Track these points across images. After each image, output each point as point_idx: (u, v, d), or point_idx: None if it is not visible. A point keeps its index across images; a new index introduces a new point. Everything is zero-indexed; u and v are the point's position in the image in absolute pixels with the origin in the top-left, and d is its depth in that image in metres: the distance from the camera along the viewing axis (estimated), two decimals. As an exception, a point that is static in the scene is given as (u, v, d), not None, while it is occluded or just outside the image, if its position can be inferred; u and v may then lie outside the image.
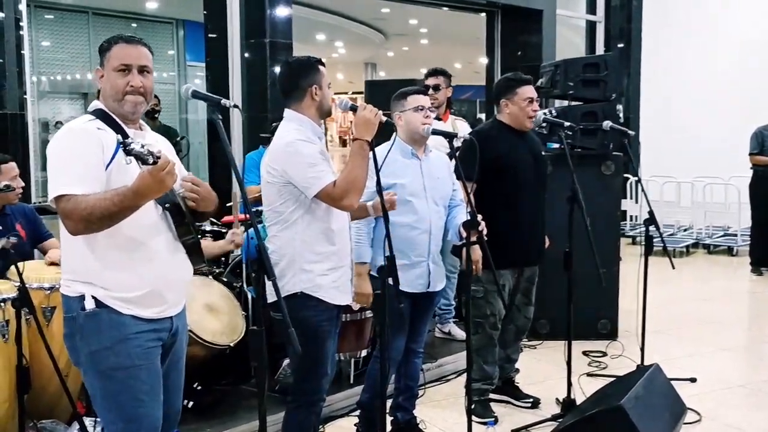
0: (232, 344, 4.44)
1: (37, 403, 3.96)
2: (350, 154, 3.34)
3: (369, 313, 4.70)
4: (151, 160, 2.36)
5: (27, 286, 3.77)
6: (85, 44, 15.84)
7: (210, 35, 7.93)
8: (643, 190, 5.10)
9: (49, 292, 4.00)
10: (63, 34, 15.39)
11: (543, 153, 4.71)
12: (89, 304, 2.63)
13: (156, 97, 7.53)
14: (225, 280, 5.04)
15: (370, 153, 3.32)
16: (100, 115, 2.71)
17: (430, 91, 5.74)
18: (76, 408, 3.95)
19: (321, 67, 3.45)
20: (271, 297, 3.02)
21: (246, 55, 7.56)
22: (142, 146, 2.35)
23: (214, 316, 4.48)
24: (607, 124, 5.08)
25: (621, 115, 8.62)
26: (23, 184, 4.62)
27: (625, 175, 9.63)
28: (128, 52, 2.72)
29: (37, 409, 3.95)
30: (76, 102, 17.15)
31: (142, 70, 2.73)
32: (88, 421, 3.89)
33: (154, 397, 2.74)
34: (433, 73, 5.85)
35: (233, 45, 7.56)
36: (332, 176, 3.30)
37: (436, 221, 4.07)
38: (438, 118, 5.71)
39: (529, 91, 4.56)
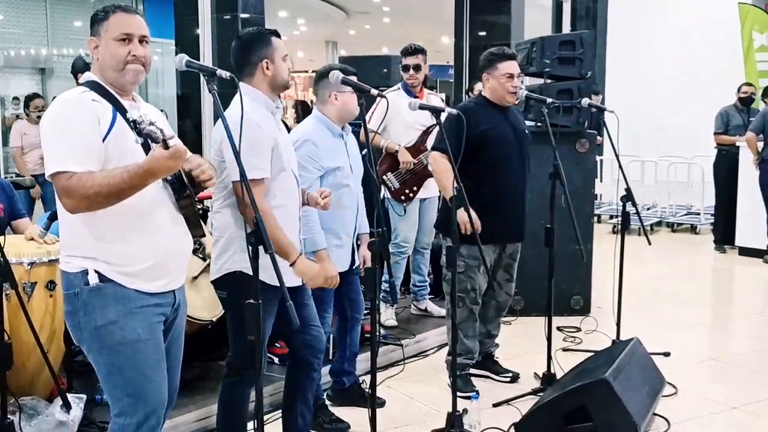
0: (214, 319, 4.41)
1: (17, 380, 3.89)
2: None
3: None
4: (161, 138, 2.33)
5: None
6: (42, 19, 15.50)
7: (180, 10, 7.79)
8: (620, 166, 5.16)
9: (29, 267, 3.92)
10: (19, 8, 15.05)
11: (525, 130, 4.72)
12: (93, 279, 2.59)
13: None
14: (200, 255, 4.99)
15: None
16: (93, 86, 2.65)
17: (411, 72, 5.71)
18: (59, 383, 3.91)
19: (274, 39, 3.37)
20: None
21: (217, 30, 7.45)
22: (151, 123, 2.32)
23: (196, 292, 4.44)
24: (585, 101, 5.13)
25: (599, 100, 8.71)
26: None
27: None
28: (129, 21, 2.67)
29: (18, 386, 3.87)
30: (34, 77, 16.81)
31: (142, 39, 2.69)
32: (71, 397, 3.84)
33: (160, 372, 2.71)
34: (413, 51, 5.72)
35: (204, 20, 7.44)
36: (260, 173, 3.21)
37: (361, 200, 4.21)
38: (414, 95, 5.69)
39: (509, 66, 4.57)
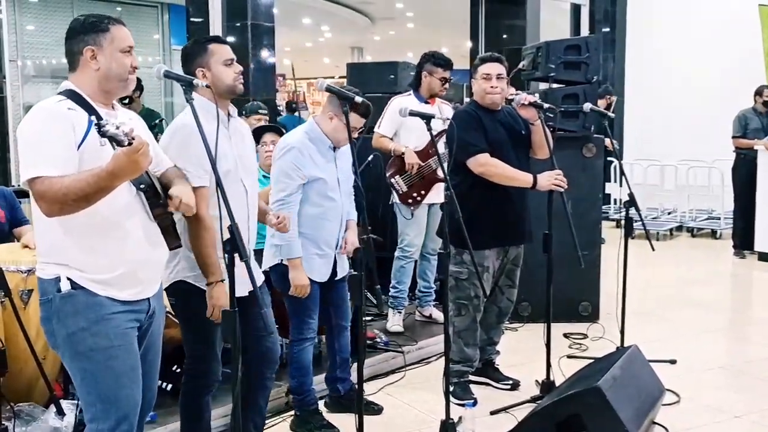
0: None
1: (14, 386, 3.94)
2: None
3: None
4: (125, 142, 2.34)
5: (3, 268, 3.76)
6: (70, 28, 15.71)
7: (192, 19, 7.88)
8: (622, 172, 5.09)
9: (26, 275, 3.96)
10: (47, 18, 15.26)
11: (522, 131, 4.68)
12: (65, 286, 2.63)
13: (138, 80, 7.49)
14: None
15: None
16: (70, 95, 2.69)
17: (446, 85, 5.73)
18: (53, 391, 3.94)
19: (211, 46, 3.30)
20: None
21: (228, 38, 7.52)
22: (117, 127, 2.34)
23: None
24: (587, 106, 5.08)
25: (613, 103, 8.62)
26: None
27: (609, 158, 9.66)
28: (128, 34, 2.76)
29: (14, 392, 3.93)
30: (61, 86, 17.08)
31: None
32: (65, 404, 3.88)
33: (133, 378, 2.73)
34: (451, 66, 5.74)
35: (215, 28, 7.52)
36: (198, 181, 3.15)
37: (346, 214, 4.21)
38: (425, 101, 5.68)
39: (486, 68, 4.57)
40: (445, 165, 5.58)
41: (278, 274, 4.09)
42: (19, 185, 5.49)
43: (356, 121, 3.98)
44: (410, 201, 5.67)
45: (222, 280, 3.15)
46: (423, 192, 5.68)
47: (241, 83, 3.36)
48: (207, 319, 3.22)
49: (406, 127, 5.62)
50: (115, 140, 2.34)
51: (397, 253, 5.79)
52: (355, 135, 4.03)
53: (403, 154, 5.59)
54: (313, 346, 4.25)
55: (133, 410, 2.75)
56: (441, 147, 5.63)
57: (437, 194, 5.70)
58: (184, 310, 3.36)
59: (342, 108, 3.44)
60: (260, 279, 3.56)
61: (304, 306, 4.11)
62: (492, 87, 4.53)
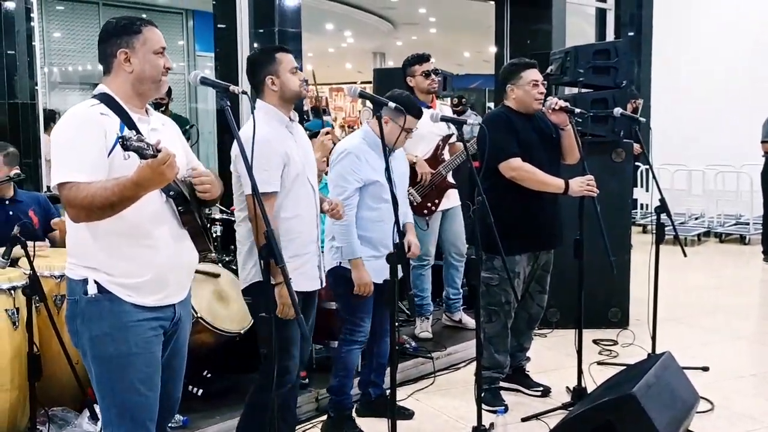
0: (242, 331, 4.44)
1: (48, 391, 3.97)
2: None
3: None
4: (150, 153, 2.34)
5: (38, 273, 3.80)
6: (96, 35, 15.79)
7: (219, 25, 7.91)
8: (654, 177, 5.06)
9: (59, 280, 4.01)
10: (74, 25, 15.42)
11: (553, 134, 4.66)
12: (92, 289, 2.64)
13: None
14: (234, 267, 5.03)
15: None
16: (104, 99, 2.69)
17: (432, 77, 5.68)
18: (87, 395, 3.97)
19: (279, 55, 3.46)
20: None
21: (255, 44, 7.54)
22: (140, 140, 2.33)
23: (224, 304, 4.48)
24: (617, 110, 5.03)
25: (639, 106, 8.55)
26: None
27: (636, 163, 9.57)
28: (160, 35, 2.78)
29: (47, 397, 3.96)
30: (88, 92, 17.14)
31: None
32: (99, 408, 3.89)
33: (150, 386, 2.73)
34: (428, 57, 5.68)
35: (242, 34, 7.54)
36: (269, 187, 3.29)
37: (403, 215, 4.20)
38: (427, 106, 5.61)
39: (532, 74, 4.55)
40: (450, 171, 5.62)
41: (336, 276, 4.14)
42: (50, 189, 5.55)
43: (411, 122, 4.09)
44: (426, 212, 5.61)
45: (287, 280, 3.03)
46: (437, 201, 5.63)
47: (306, 89, 3.55)
48: (282, 318, 3.28)
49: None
50: (139, 153, 2.33)
51: (412, 262, 5.75)
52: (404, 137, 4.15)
53: (414, 164, 5.52)
54: (361, 349, 4.28)
55: (150, 418, 2.75)
56: (446, 153, 5.64)
57: (449, 200, 5.69)
58: (259, 309, 3.40)
59: (375, 114, 3.45)
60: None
61: (358, 308, 4.15)
62: (540, 93, 4.52)
